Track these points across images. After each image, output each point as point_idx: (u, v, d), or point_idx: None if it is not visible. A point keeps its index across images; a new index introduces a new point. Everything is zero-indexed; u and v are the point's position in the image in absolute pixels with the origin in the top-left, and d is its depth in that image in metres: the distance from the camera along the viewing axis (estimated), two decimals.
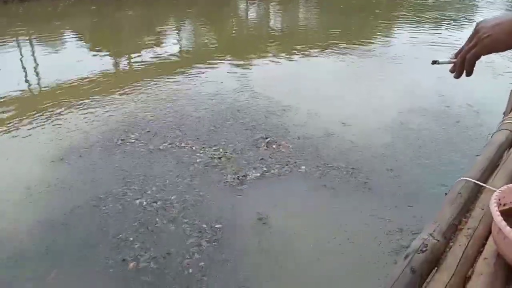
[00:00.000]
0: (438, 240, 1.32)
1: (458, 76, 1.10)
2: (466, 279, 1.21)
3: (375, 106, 5.25)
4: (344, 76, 6.48)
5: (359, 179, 3.73)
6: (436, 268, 1.26)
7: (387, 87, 5.95)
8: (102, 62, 7.15)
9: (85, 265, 2.79)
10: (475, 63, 1.05)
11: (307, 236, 3.07)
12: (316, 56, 7.33)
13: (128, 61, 7.31)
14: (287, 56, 7.32)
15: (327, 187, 3.60)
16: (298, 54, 7.45)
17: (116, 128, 4.62)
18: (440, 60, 1.14)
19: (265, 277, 2.69)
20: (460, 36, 8.60)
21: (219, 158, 4.00)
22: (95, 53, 7.66)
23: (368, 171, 3.85)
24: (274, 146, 4.21)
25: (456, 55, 1.10)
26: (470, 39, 1.05)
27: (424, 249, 1.27)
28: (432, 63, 1.16)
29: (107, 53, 7.75)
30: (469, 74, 1.08)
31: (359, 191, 3.57)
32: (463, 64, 1.06)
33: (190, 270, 2.73)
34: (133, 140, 4.34)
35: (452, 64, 1.11)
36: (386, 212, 3.29)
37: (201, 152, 4.11)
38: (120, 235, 3.02)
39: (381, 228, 3.10)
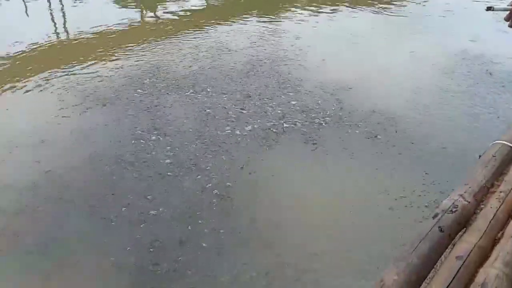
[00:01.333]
0: (469, 202, 1.30)
1: None
2: (495, 241, 1.20)
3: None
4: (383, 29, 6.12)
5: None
6: (464, 228, 1.25)
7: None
8: (131, 14, 7.02)
9: None
10: None
11: None
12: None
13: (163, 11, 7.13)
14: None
15: None
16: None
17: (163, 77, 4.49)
18: (495, 7, 1.07)
19: None
20: None
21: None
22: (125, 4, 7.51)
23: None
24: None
25: None
26: None
27: (454, 209, 1.25)
28: (487, 10, 1.09)
29: (134, 4, 7.61)
30: None
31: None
32: None
33: None
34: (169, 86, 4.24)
35: (508, 12, 1.04)
36: None
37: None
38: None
39: None
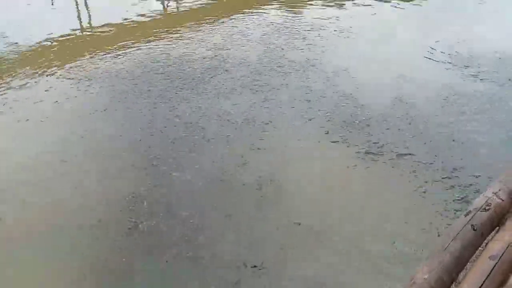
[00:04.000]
0: (503, 200, 1.27)
1: None
2: None
3: None
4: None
5: None
6: (498, 227, 1.23)
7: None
8: (154, 5, 7.08)
9: None
10: None
11: None
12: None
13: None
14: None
15: None
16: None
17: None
18: None
19: None
20: None
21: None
22: None
23: None
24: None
25: None
26: None
27: (487, 207, 1.23)
28: None
29: None
30: None
31: None
32: None
33: None
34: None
35: None
36: None
37: None
38: None
39: None
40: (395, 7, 6.01)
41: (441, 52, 4.50)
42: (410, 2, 6.28)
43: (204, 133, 3.24)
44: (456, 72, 4.11)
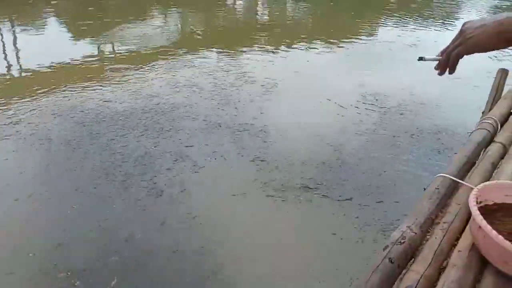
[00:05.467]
0: (416, 233, 1.38)
1: (441, 73, 1.15)
2: (441, 270, 1.27)
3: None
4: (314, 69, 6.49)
5: None
6: (413, 259, 1.31)
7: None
8: (87, 48, 7.02)
9: None
10: (458, 61, 1.11)
11: None
12: (301, 48, 7.36)
13: (113, 47, 7.20)
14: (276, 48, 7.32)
15: None
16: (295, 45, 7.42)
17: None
18: (426, 57, 1.18)
19: None
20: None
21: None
22: (79, 38, 7.52)
23: None
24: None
25: (442, 53, 1.14)
26: (456, 38, 1.10)
27: (402, 240, 1.32)
28: (419, 60, 1.20)
29: (93, 38, 7.60)
30: (451, 72, 1.13)
31: None
32: (447, 62, 1.11)
33: None
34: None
35: (437, 62, 1.15)
36: None
37: None
38: None
39: None
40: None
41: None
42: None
43: None
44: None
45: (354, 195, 3.44)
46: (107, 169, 3.68)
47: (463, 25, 1.09)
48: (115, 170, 3.64)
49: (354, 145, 4.13)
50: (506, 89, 3.03)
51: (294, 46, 7.49)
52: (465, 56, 1.09)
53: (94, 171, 3.66)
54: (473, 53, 1.07)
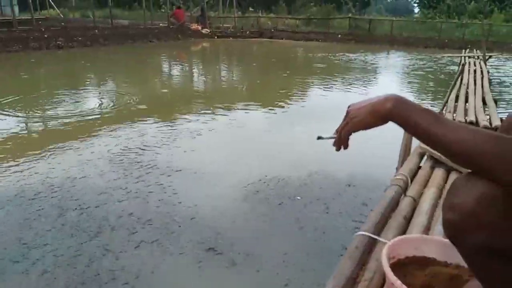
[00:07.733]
0: None
1: (337, 149, 1.31)
2: None
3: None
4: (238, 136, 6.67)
5: None
6: None
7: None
8: (12, 122, 6.69)
9: None
10: (348, 138, 1.28)
11: None
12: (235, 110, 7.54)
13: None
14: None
15: None
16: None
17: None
18: (324, 136, 1.34)
19: None
20: None
21: None
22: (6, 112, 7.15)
23: None
24: None
25: (337, 131, 1.31)
26: (344, 118, 1.28)
27: None
28: (317, 139, 1.35)
29: (20, 113, 7.29)
30: (345, 147, 1.30)
31: None
32: (340, 139, 1.28)
33: None
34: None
35: (333, 140, 1.32)
36: None
37: None
38: None
39: None
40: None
41: None
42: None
43: None
44: None
45: None
46: None
47: (348, 106, 1.28)
48: None
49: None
50: (414, 145, 3.38)
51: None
52: (353, 133, 1.26)
53: None
54: (358, 130, 1.24)
